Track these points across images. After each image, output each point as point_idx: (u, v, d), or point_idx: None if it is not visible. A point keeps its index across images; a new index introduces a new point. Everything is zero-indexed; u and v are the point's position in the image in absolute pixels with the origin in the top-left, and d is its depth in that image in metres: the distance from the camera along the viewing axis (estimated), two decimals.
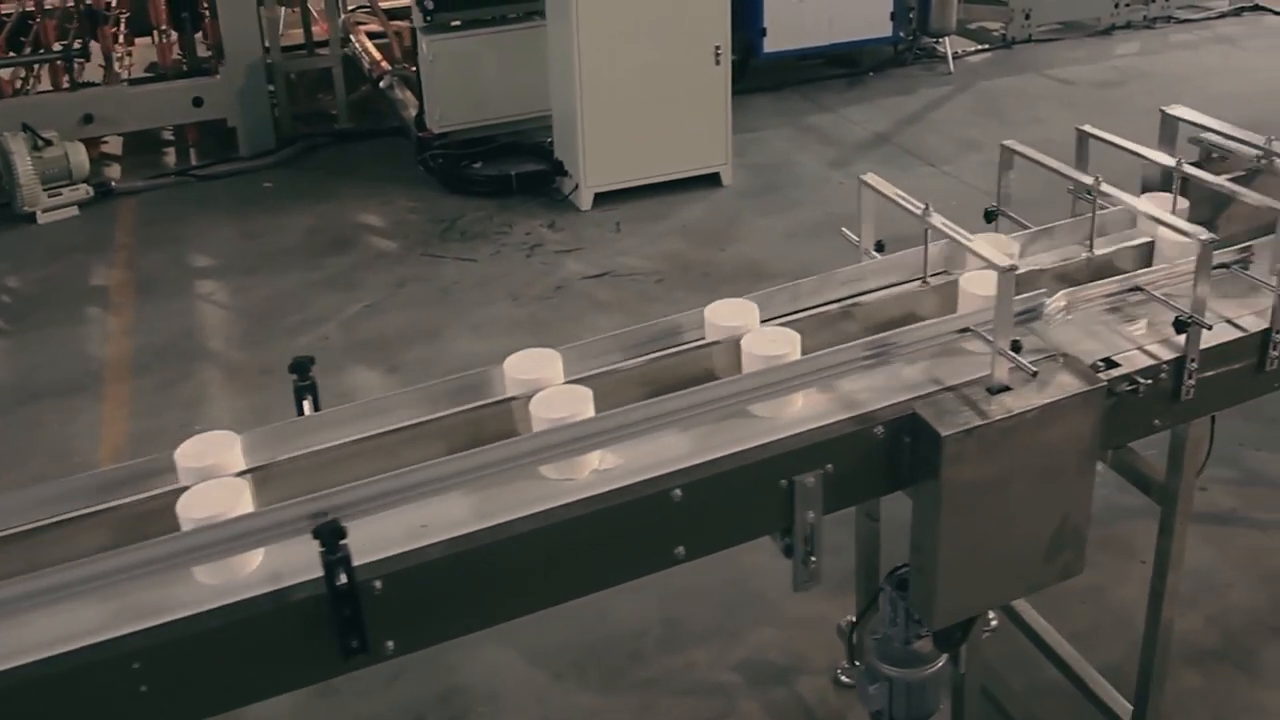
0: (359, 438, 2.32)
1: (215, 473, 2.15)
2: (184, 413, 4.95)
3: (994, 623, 3.67)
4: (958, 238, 2.53)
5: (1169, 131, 3.27)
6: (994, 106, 8.67)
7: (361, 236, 6.67)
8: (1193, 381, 2.63)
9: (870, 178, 2.85)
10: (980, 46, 10.13)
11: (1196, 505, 4.23)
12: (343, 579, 1.97)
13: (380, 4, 9.46)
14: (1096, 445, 2.51)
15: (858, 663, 2.87)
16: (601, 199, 6.87)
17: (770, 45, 8.74)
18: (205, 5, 8.26)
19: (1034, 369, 2.36)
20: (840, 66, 9.41)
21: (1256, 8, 11.14)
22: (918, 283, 2.75)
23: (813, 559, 2.40)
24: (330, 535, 1.97)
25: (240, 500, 2.07)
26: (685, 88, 6.86)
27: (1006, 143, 3.10)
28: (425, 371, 5.06)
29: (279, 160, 7.78)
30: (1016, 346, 2.40)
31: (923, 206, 2.63)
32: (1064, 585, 3.83)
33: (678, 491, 2.22)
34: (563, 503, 2.18)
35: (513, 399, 2.36)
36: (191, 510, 2.04)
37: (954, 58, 9.59)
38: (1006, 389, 2.42)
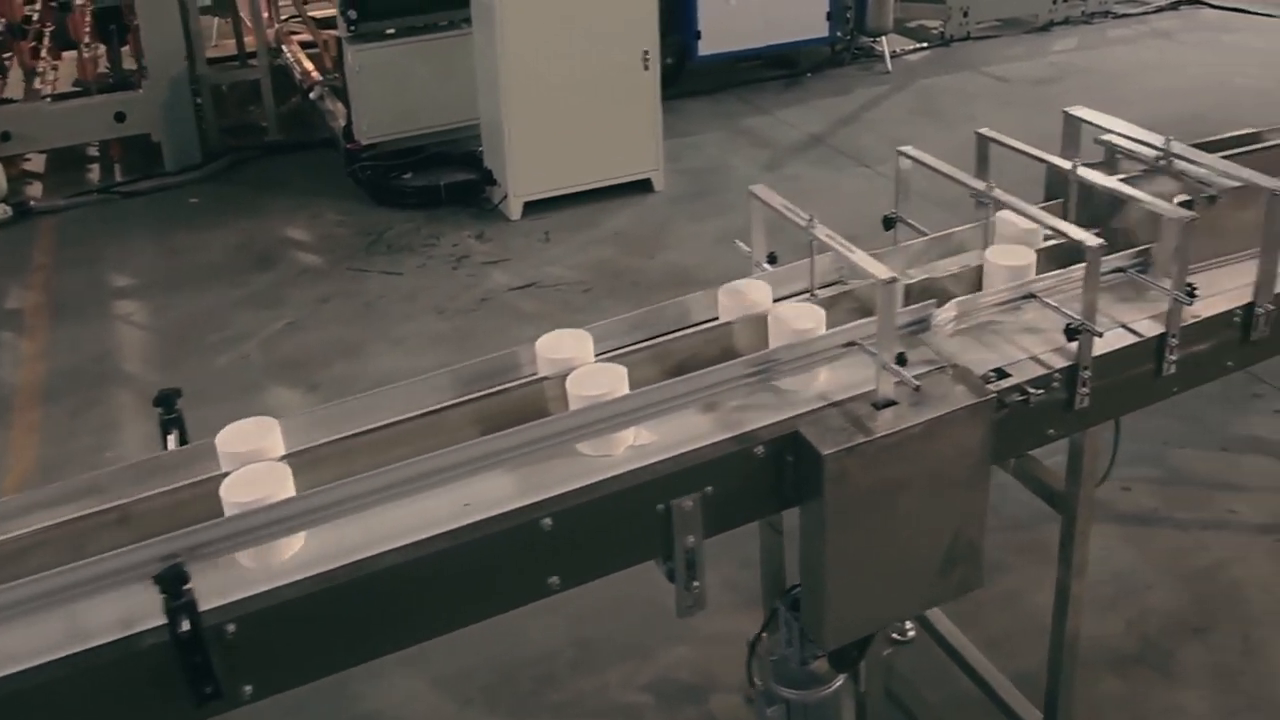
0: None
1: (257, 458, 2.16)
2: (95, 438, 4.83)
3: (911, 633, 3.64)
4: (842, 250, 2.47)
5: (1072, 133, 3.22)
6: (930, 105, 8.64)
7: (287, 252, 6.56)
8: (1087, 390, 2.58)
9: (759, 189, 2.80)
10: (919, 45, 10.12)
11: (1120, 506, 4.26)
12: (186, 626, 1.89)
13: (310, 13, 9.35)
14: (988, 458, 2.45)
15: (757, 683, 2.81)
16: (531, 208, 6.79)
17: (705, 48, 8.69)
18: (132, 18, 8.11)
19: (917, 383, 2.30)
20: (778, 68, 9.37)
21: (1194, 2, 11.18)
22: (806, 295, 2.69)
23: (695, 584, 2.33)
24: (172, 581, 1.89)
25: (284, 484, 2.07)
26: (614, 94, 6.79)
27: (903, 149, 3.05)
28: (344, 390, 4.96)
29: (205, 175, 7.66)
30: (902, 359, 2.34)
31: (807, 218, 2.57)
32: (981, 592, 3.80)
33: (548, 521, 2.15)
34: (426, 536, 2.11)
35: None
36: (236, 494, 2.04)
37: (892, 57, 9.57)
38: (893, 403, 2.36)
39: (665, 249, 6.32)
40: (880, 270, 2.31)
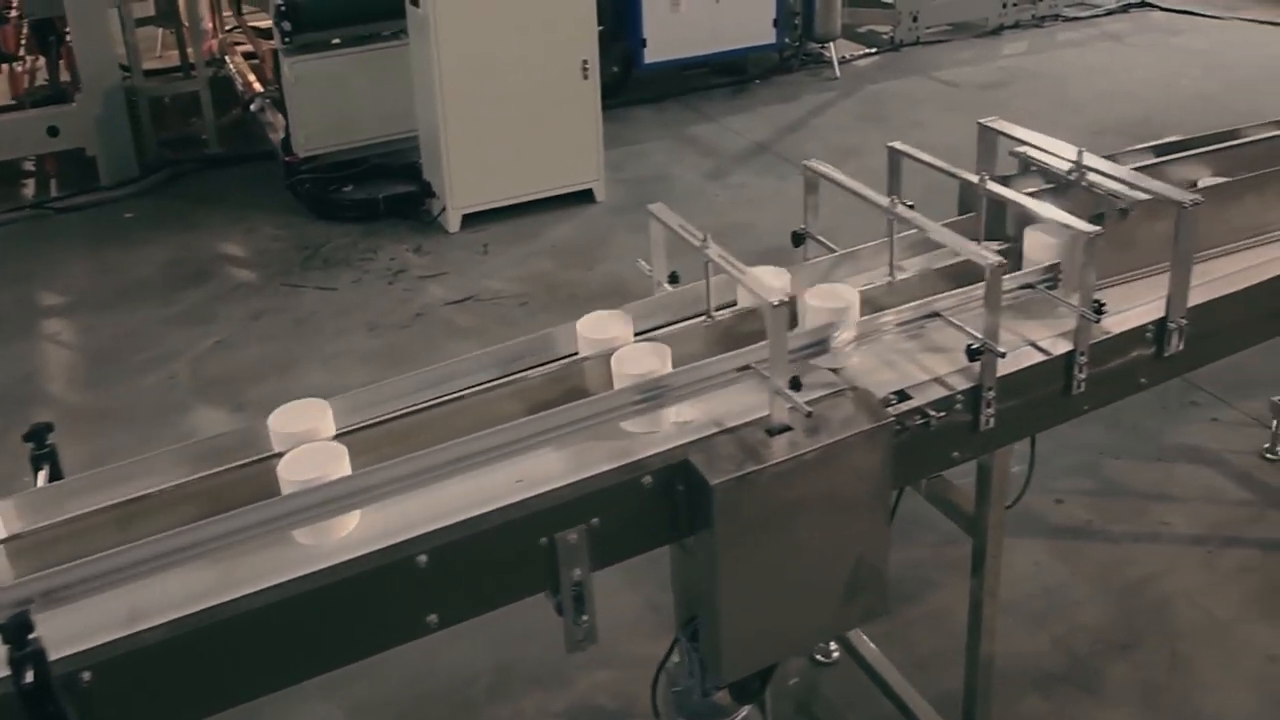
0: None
1: (310, 438, 2.21)
2: (13, 464, 4.69)
3: (835, 654, 3.58)
4: (733, 271, 2.40)
5: (987, 144, 3.17)
6: (877, 111, 8.60)
7: (221, 267, 6.45)
8: (991, 411, 2.53)
9: (656, 208, 2.73)
10: (868, 50, 10.07)
11: (1052, 519, 4.21)
12: (30, 677, 1.80)
13: (250, 23, 9.23)
14: (888, 483, 2.39)
15: (661, 714, 2.74)
16: (471, 220, 6.70)
17: (651, 56, 8.62)
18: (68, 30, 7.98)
19: (808, 409, 2.23)
20: (726, 75, 9.31)
21: (1144, 4, 11.19)
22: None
23: (584, 618, 2.26)
24: (16, 631, 1.80)
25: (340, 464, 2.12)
26: (553, 103, 6.71)
27: (809, 163, 2.99)
28: (271, 409, 4.86)
29: (142, 189, 7.52)
30: (796, 384, 2.27)
31: (701, 238, 2.51)
32: (911, 610, 3.80)
33: (423, 558, 2.07)
34: (291, 577, 2.03)
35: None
36: (293, 473, 2.09)
37: (841, 62, 9.53)
38: (787, 429, 2.30)
39: (605, 260, 6.25)
40: (770, 293, 2.25)
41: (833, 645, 3.56)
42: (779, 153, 7.72)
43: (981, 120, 3.16)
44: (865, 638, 3.42)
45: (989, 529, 2.77)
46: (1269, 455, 4.47)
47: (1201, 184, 3.17)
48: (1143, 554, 4.03)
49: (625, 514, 2.24)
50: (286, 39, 6.95)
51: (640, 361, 2.32)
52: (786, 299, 2.23)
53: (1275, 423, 4.47)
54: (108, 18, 7.52)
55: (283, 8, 6.91)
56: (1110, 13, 11.04)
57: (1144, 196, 2.75)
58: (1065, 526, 4.17)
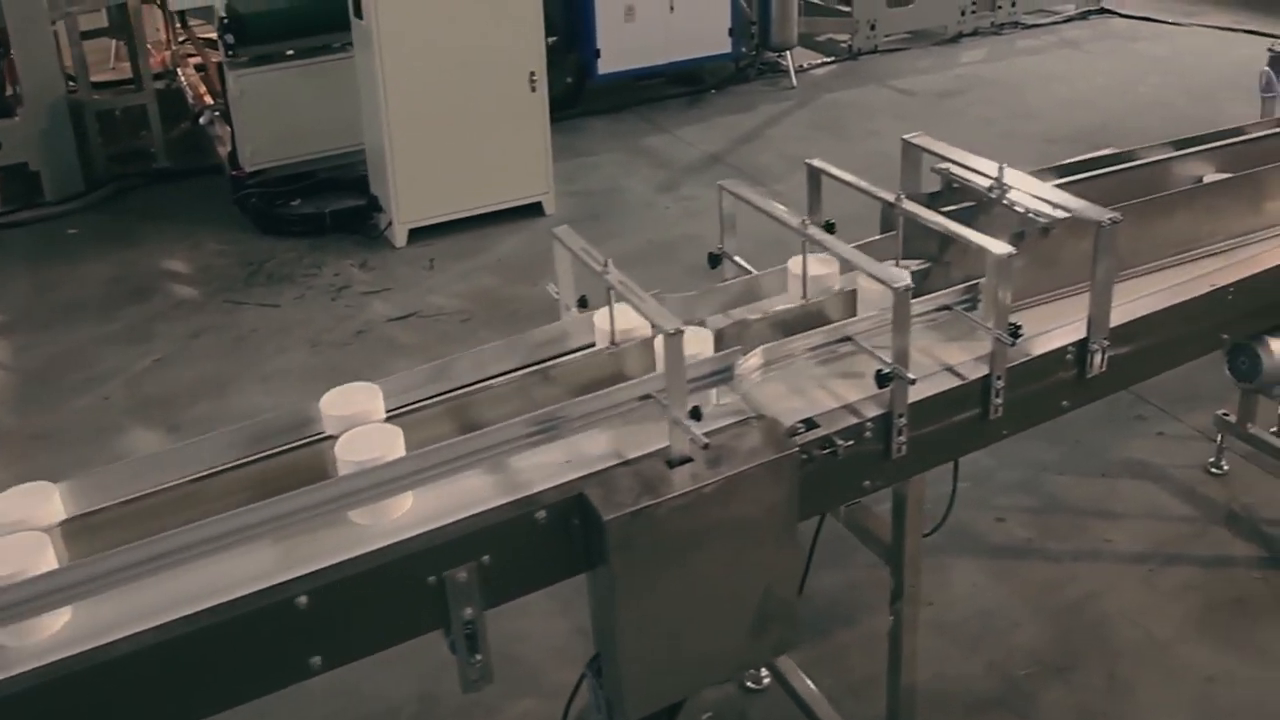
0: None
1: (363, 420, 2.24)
2: None
3: (766, 680, 3.51)
4: (633, 300, 2.33)
5: (911, 160, 3.11)
6: (833, 120, 8.56)
7: (163, 284, 6.34)
8: (903, 438, 2.46)
9: (561, 230, 2.67)
10: (825, 59, 10.03)
11: (993, 538, 4.16)
12: None
13: (199, 34, 9.13)
14: (795, 514, 2.33)
15: None
16: (418, 234, 6.61)
17: (605, 67, 8.56)
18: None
19: (705, 440, 2.17)
20: (682, 85, 9.24)
21: (1103, 11, 11.18)
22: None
23: (477, 657, 2.19)
24: None
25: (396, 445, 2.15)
26: (501, 116, 6.63)
27: (723, 183, 2.92)
28: (206, 430, 4.76)
29: (88, 204, 7.40)
30: (696, 413, 2.21)
31: (603, 263, 2.44)
32: (845, 634, 3.73)
33: (303, 599, 2.00)
34: (165, 620, 1.95)
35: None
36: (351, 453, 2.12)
37: (798, 71, 9.48)
38: (688, 460, 2.23)
39: (550, 275, 6.15)
40: (666, 321, 2.18)
41: (763, 672, 3.49)
42: (732, 164, 7.66)
43: (905, 136, 3.10)
44: (794, 664, 3.35)
45: (906, 559, 2.70)
46: (1213, 470, 4.42)
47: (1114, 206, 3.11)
48: (1083, 573, 3.97)
49: (518, 550, 2.17)
50: (230, 52, 6.85)
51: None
52: (681, 328, 2.16)
53: (1220, 437, 4.42)
54: (51, 31, 7.38)
55: (226, 20, 6.81)
56: (1070, 19, 11.03)
57: (1063, 215, 2.69)
58: (1005, 546, 4.10)
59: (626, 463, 2.24)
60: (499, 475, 2.24)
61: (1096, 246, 2.61)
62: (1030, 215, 2.72)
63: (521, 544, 2.16)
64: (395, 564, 2.06)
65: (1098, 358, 2.71)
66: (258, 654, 2.01)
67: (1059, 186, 2.93)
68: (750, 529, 2.27)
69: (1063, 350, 2.69)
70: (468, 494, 2.18)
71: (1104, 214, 2.62)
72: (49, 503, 2.13)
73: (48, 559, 1.99)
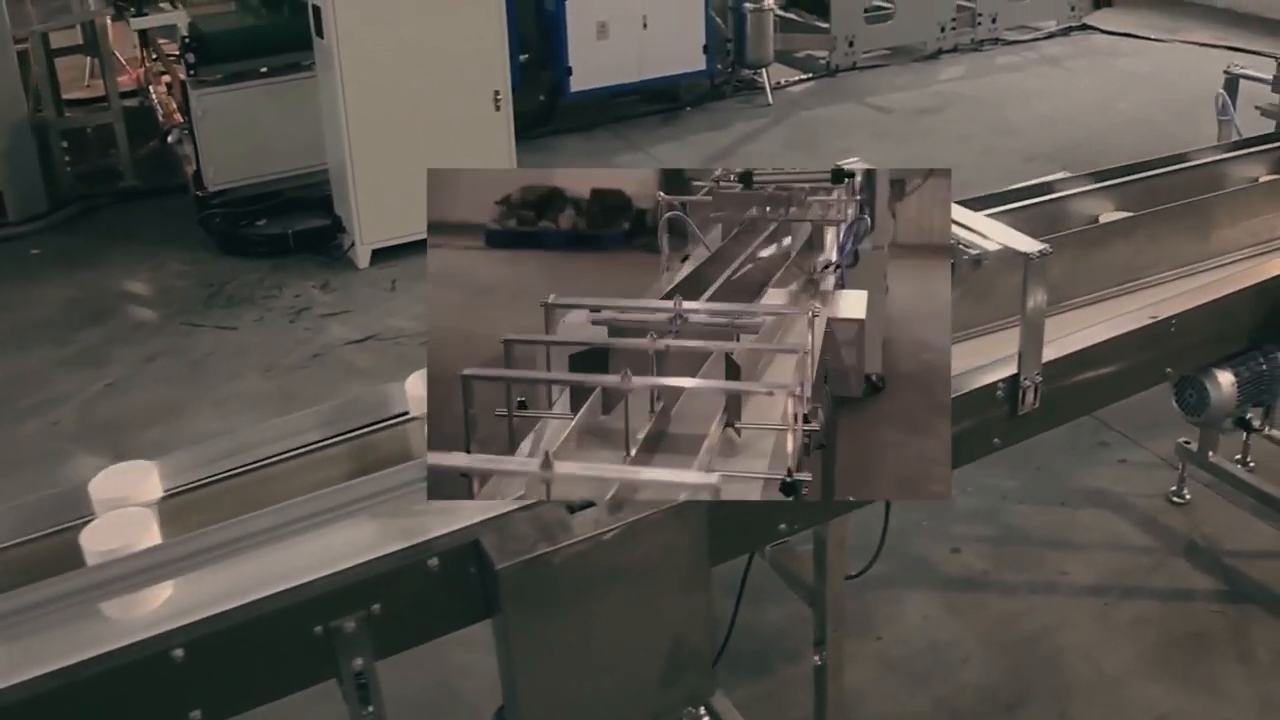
0: None
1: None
2: None
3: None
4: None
5: None
6: (808, 138, 8.50)
7: (122, 306, 6.26)
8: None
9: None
10: (803, 76, 9.96)
11: (947, 569, 4.07)
12: None
13: (168, 53, 9.05)
14: (705, 559, 2.24)
15: None
16: (381, 255, 6.53)
17: (577, 84, 8.48)
18: None
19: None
20: (658, 102, 9.17)
21: (1085, 27, 11.12)
22: None
23: (369, 709, 2.10)
24: None
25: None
26: (466, 136, 6.55)
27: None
28: (158, 454, 4.69)
29: (51, 224, 7.30)
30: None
31: None
32: (789, 670, 3.64)
33: (179, 651, 1.91)
34: (33, 675, 1.86)
35: None
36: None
37: (775, 88, 9.42)
38: (590, 505, 2.15)
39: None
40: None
41: (701, 711, 3.39)
42: None
43: (840, 163, 3.03)
44: (729, 704, 3.26)
45: (828, 601, 2.62)
46: (1175, 499, 4.35)
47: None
48: (1038, 606, 3.90)
49: (412, 599, 2.08)
50: (192, 70, 6.77)
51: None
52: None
53: (1182, 466, 4.34)
54: (13, 49, 7.30)
55: (188, 39, 6.74)
56: (1051, 36, 10.96)
57: (994, 247, 2.62)
58: (960, 577, 4.03)
59: (526, 507, 2.16)
60: (393, 519, 2.15)
61: (1026, 279, 2.53)
62: (960, 247, 2.65)
63: (414, 592, 2.08)
64: (277, 614, 1.97)
65: (1029, 394, 2.63)
66: (134, 709, 1.93)
67: (993, 216, 2.85)
68: (656, 576, 2.18)
69: (992, 387, 2.61)
70: (357, 540, 2.10)
71: (1033, 246, 2.54)
72: None
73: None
